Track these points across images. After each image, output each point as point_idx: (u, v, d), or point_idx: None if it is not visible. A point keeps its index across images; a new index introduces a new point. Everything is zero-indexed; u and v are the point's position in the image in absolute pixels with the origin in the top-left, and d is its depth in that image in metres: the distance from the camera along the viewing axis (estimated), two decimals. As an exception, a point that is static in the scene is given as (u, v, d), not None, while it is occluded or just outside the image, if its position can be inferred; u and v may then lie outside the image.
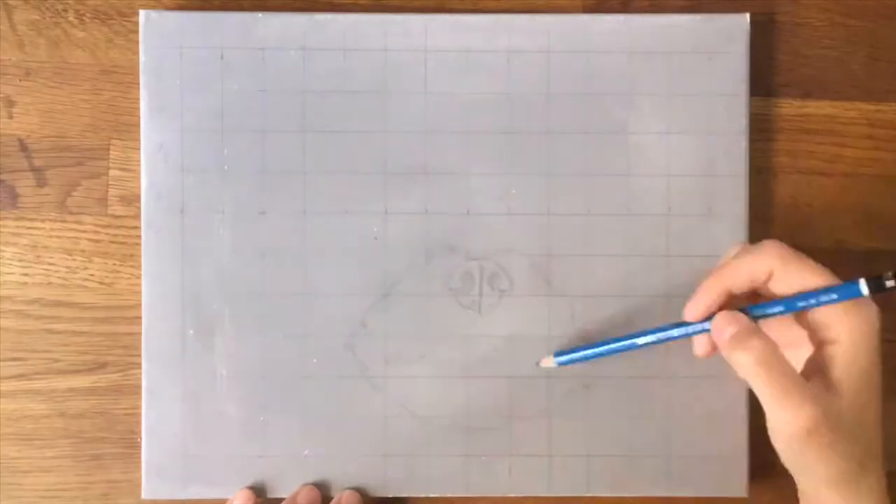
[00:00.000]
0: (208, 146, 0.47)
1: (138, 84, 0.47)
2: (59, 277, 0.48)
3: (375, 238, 0.47)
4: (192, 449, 0.47)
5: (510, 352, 0.47)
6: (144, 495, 0.47)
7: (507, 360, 0.47)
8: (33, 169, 0.48)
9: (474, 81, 0.47)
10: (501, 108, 0.47)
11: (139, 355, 0.47)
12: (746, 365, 0.38)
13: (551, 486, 0.47)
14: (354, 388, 0.47)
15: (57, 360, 0.48)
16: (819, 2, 0.49)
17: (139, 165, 0.47)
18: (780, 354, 0.38)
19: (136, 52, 0.47)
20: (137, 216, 0.47)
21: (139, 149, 0.47)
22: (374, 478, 0.47)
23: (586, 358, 0.45)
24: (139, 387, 0.47)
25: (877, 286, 0.38)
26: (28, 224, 0.48)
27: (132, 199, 0.48)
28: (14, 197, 0.48)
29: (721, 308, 0.40)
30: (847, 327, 0.38)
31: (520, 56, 0.47)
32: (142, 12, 0.47)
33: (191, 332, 0.47)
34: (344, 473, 0.47)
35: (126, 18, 0.48)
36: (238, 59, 0.47)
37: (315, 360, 0.47)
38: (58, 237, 0.48)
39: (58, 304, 0.48)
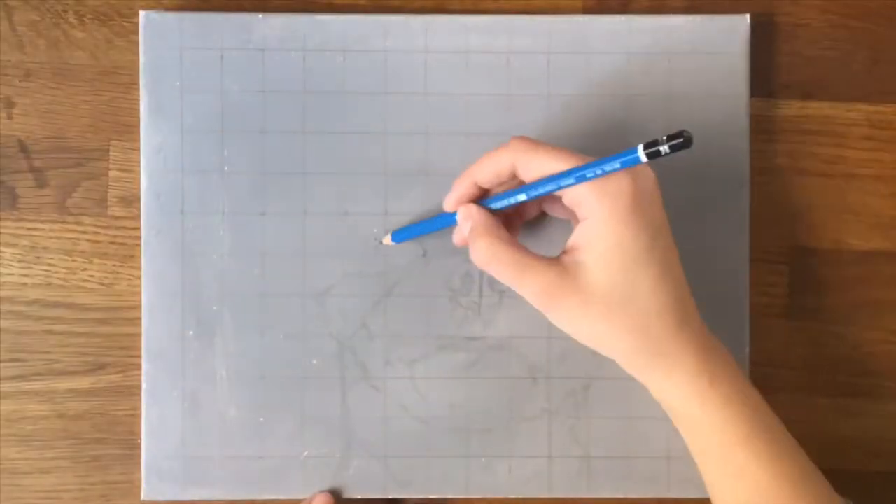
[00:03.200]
0: (208, 146, 0.47)
1: (138, 85, 0.47)
2: (58, 278, 0.48)
3: (375, 238, 0.47)
4: (192, 450, 0.46)
5: (510, 352, 0.47)
6: (144, 496, 0.47)
7: (506, 360, 0.47)
8: (33, 170, 0.48)
9: (474, 82, 0.47)
10: (501, 108, 0.47)
11: (139, 356, 0.47)
12: (480, 258, 0.41)
13: (551, 486, 0.47)
14: (354, 388, 0.47)
15: (56, 361, 0.48)
16: (819, 2, 0.49)
17: (139, 166, 0.47)
18: (509, 243, 0.41)
19: (136, 53, 0.47)
20: (137, 217, 0.47)
21: (139, 149, 0.47)
22: (374, 478, 0.47)
23: (419, 232, 0.46)
24: (139, 387, 0.47)
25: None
26: (28, 225, 0.48)
27: (132, 200, 0.48)
28: (14, 198, 0.48)
29: (473, 199, 0.43)
30: (593, 202, 0.39)
31: (520, 56, 0.47)
32: (142, 13, 0.47)
33: (191, 332, 0.47)
34: (344, 474, 0.47)
35: (126, 19, 0.48)
36: (238, 59, 0.47)
37: (315, 361, 0.47)
38: (57, 238, 0.48)
39: (57, 304, 0.48)
